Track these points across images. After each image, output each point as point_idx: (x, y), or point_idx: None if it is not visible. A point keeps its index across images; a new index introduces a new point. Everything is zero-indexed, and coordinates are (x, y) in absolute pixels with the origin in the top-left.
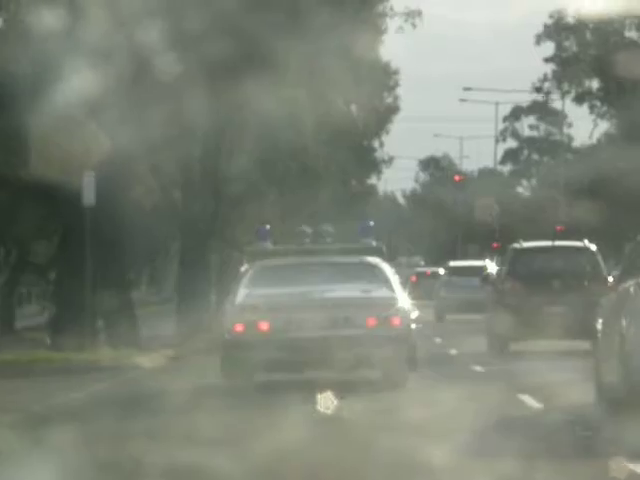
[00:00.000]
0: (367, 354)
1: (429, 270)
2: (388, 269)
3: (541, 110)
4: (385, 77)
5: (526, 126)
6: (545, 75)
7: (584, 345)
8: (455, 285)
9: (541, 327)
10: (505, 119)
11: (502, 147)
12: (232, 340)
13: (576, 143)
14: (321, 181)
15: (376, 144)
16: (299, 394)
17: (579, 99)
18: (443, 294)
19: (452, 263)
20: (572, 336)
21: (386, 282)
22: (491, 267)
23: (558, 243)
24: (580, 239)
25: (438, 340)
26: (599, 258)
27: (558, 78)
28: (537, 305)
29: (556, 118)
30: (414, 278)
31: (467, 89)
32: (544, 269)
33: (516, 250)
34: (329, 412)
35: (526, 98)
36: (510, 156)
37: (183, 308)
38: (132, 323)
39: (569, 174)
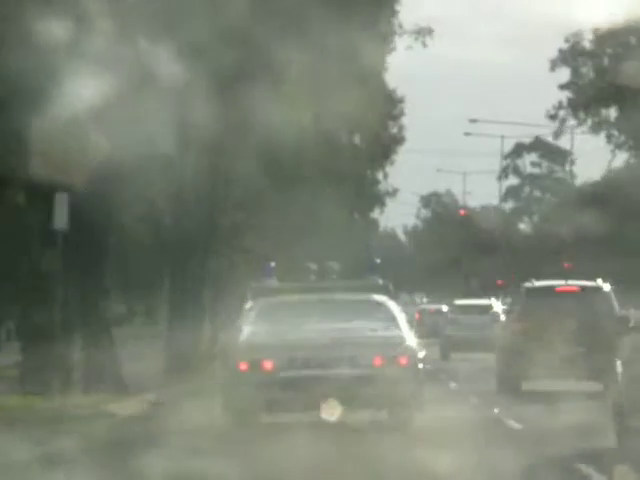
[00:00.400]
0: (373, 394)
1: (433, 307)
2: (395, 307)
3: (543, 147)
4: (390, 105)
5: (528, 163)
6: (560, 102)
7: (595, 386)
8: (461, 323)
9: (555, 368)
10: (507, 156)
11: (504, 184)
12: (235, 379)
13: (582, 178)
14: (323, 213)
15: (380, 175)
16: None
17: (595, 128)
18: (449, 332)
19: (457, 301)
20: (585, 377)
21: (393, 320)
22: (497, 306)
23: (571, 282)
24: (590, 278)
25: (453, 385)
26: (612, 298)
27: (574, 106)
28: (551, 345)
29: (558, 155)
30: (417, 315)
31: (473, 121)
32: (557, 309)
33: (528, 289)
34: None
35: (533, 132)
36: (511, 193)
37: (172, 345)
38: (112, 362)
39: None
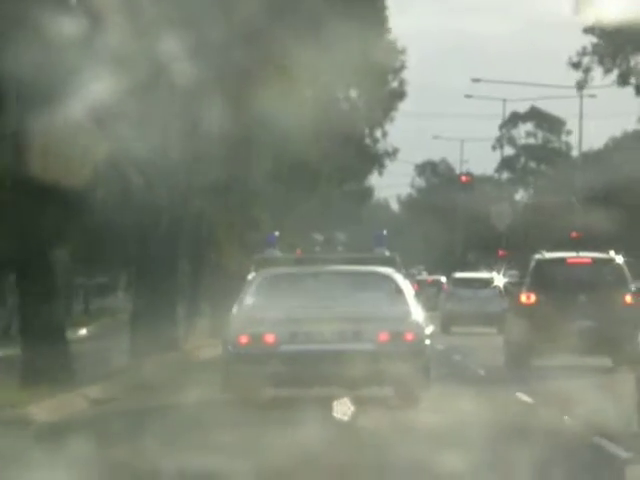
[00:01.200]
0: (378, 370)
1: (431, 278)
2: (402, 281)
3: (539, 117)
4: (391, 56)
5: (523, 133)
6: (584, 48)
7: (605, 361)
8: (461, 297)
9: (566, 342)
10: (502, 126)
11: (499, 155)
12: (236, 353)
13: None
14: (319, 179)
15: (378, 134)
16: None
17: (624, 78)
18: (449, 306)
19: (457, 274)
20: (597, 352)
21: (399, 294)
22: (498, 279)
23: (583, 254)
24: (596, 247)
25: (457, 357)
26: (625, 270)
27: (600, 53)
28: (562, 319)
29: (554, 125)
30: (416, 286)
31: (476, 80)
32: (568, 281)
33: (539, 261)
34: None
35: (539, 93)
36: (507, 164)
37: (140, 324)
38: (57, 349)
39: (584, 179)
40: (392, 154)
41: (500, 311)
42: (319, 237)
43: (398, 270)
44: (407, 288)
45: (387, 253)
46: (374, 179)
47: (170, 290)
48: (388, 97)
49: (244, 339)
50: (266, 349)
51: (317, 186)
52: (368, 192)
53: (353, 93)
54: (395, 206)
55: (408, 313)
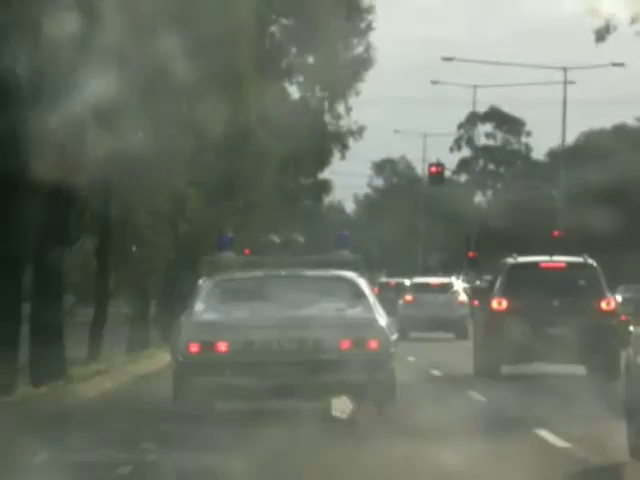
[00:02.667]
0: (340, 381)
1: (393, 281)
2: (365, 285)
3: (498, 117)
4: (355, 17)
5: (482, 134)
6: None
7: (579, 370)
8: (419, 302)
9: (538, 350)
10: (460, 126)
11: (457, 156)
12: (185, 362)
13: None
14: (263, 167)
15: (341, 109)
16: None
17: None
18: (407, 311)
19: (415, 279)
20: (571, 360)
21: (363, 299)
22: (457, 284)
23: (556, 258)
24: (581, 246)
25: (411, 359)
26: (600, 275)
27: None
28: (534, 326)
29: (514, 125)
30: (376, 290)
31: (447, 59)
32: (541, 287)
33: (510, 265)
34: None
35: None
36: (464, 165)
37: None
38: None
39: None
40: (357, 133)
41: (459, 317)
42: (276, 239)
43: (361, 274)
44: (370, 293)
45: (350, 256)
46: (331, 171)
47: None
48: (351, 64)
49: (194, 348)
50: (218, 358)
51: (266, 168)
52: (325, 186)
53: (310, 59)
54: (351, 207)
55: (372, 319)
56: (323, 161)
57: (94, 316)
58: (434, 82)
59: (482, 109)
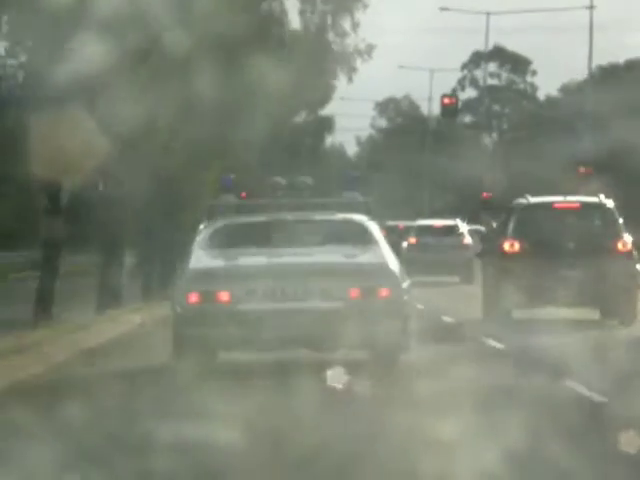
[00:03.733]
0: (349, 332)
1: (402, 224)
2: (376, 229)
3: (503, 56)
4: None
5: (487, 74)
6: None
7: (593, 314)
8: (423, 245)
9: (551, 294)
10: (464, 67)
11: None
12: (185, 314)
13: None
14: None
15: (347, 25)
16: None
17: None
18: (411, 254)
19: (420, 222)
20: (586, 303)
21: (374, 244)
22: (462, 226)
23: (570, 198)
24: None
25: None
26: (617, 215)
27: None
28: (547, 269)
29: (519, 65)
30: (384, 233)
31: None
32: (555, 228)
33: (522, 206)
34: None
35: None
36: (469, 106)
37: None
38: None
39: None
40: (365, 53)
41: (464, 260)
42: (281, 181)
43: (372, 217)
44: (381, 237)
45: (360, 198)
46: (333, 106)
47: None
48: None
49: (194, 297)
50: (220, 308)
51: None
52: (328, 123)
53: None
54: (352, 150)
55: (383, 265)
56: (327, 86)
57: (41, 269)
58: (443, 9)
59: (496, 39)
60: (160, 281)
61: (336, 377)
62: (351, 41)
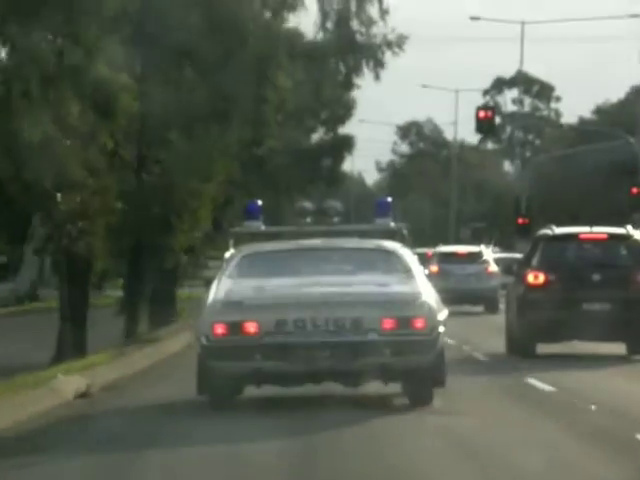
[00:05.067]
0: (382, 365)
1: (430, 251)
2: (410, 256)
3: (526, 82)
4: None
5: (509, 100)
6: None
7: (619, 348)
8: (447, 274)
9: (577, 327)
10: (486, 92)
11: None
12: (211, 346)
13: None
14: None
15: (374, 12)
16: None
17: None
18: (432, 283)
19: (442, 248)
20: (612, 338)
21: (407, 273)
22: (487, 253)
23: (597, 229)
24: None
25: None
26: None
27: None
28: (573, 302)
29: (543, 91)
30: None
31: None
32: (580, 260)
33: (548, 237)
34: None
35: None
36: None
37: None
38: None
39: None
40: (396, 45)
41: (489, 289)
42: (308, 205)
43: (405, 245)
44: (416, 266)
45: (392, 224)
46: (352, 128)
47: None
48: None
49: (220, 329)
50: (247, 340)
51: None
52: (347, 142)
53: None
54: (371, 179)
55: (418, 295)
56: (349, 84)
57: None
58: (473, 18)
59: (529, 50)
60: (149, 319)
61: None
62: (378, 31)
